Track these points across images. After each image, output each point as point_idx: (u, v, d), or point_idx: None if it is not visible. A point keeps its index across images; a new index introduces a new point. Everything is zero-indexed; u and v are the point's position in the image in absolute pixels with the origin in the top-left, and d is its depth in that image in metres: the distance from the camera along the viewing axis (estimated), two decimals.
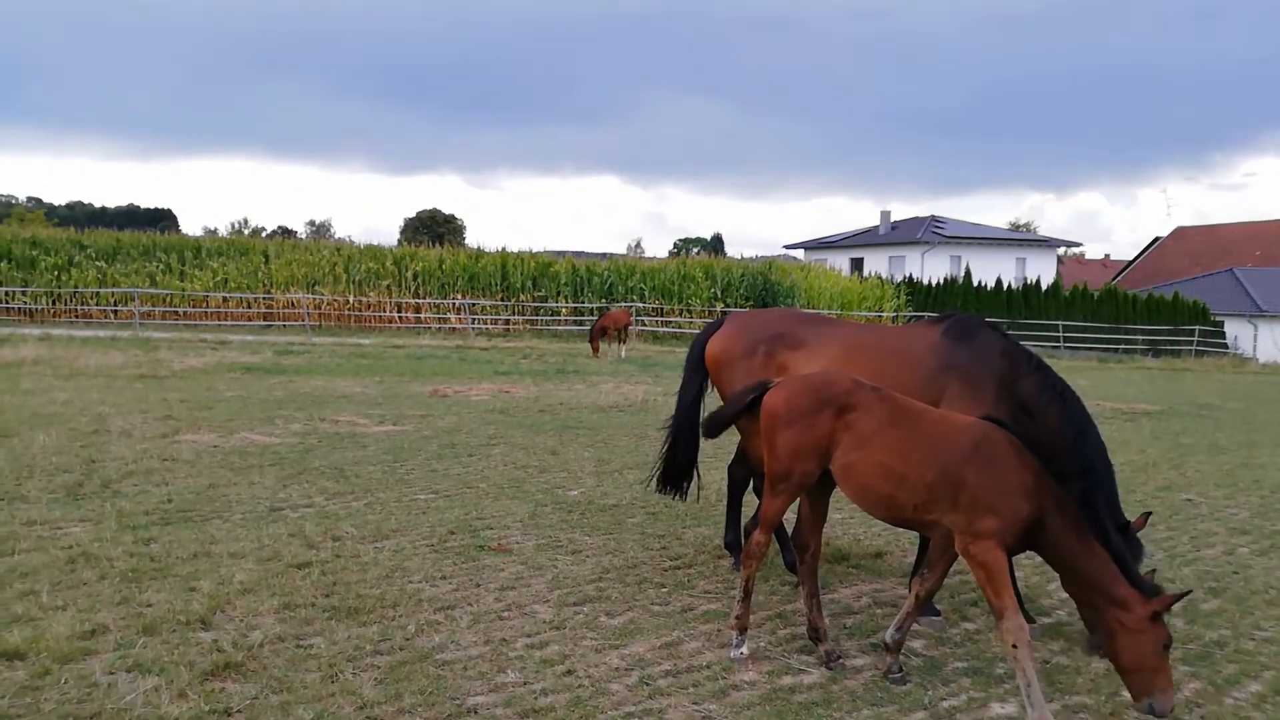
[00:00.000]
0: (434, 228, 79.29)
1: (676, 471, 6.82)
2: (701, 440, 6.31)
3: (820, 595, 5.22)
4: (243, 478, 9.08)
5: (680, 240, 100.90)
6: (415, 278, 33.42)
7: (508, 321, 33.41)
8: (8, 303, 29.98)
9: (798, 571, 5.30)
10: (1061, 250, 61.19)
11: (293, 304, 31.93)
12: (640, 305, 33.91)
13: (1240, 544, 8.02)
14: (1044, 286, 38.72)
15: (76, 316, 30.09)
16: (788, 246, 60.99)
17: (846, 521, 8.28)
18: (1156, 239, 66.27)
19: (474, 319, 32.68)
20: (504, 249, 35.69)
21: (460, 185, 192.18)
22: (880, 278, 39.23)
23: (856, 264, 52.58)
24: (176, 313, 31.04)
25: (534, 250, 36.46)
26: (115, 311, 30.08)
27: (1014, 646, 4.15)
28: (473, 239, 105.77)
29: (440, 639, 5.10)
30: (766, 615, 5.81)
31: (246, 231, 79.67)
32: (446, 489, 8.97)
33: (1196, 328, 36.32)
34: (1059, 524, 4.21)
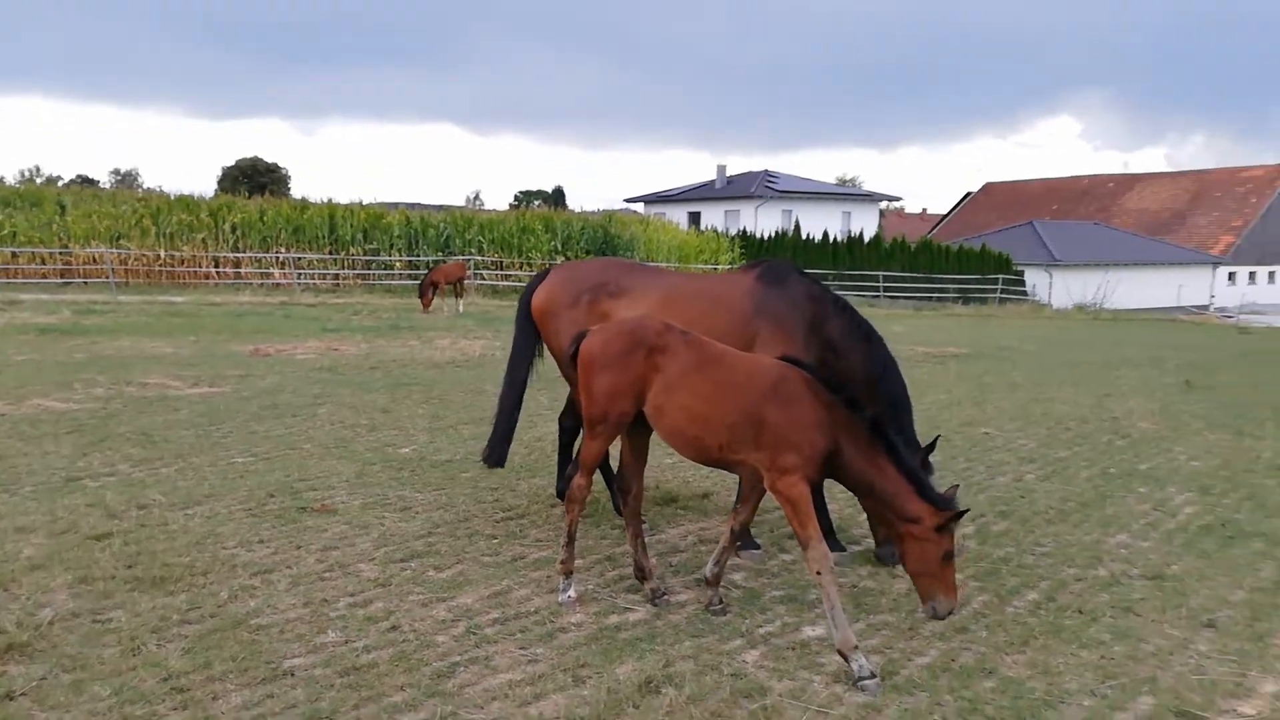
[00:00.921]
0: (255, 177, 74.50)
1: (504, 439, 6.74)
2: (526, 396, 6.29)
3: (645, 535, 5.36)
4: (35, 447, 8.37)
5: (521, 193, 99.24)
6: (234, 230, 31.40)
7: (337, 276, 32.03)
8: None
9: (622, 513, 5.41)
10: (884, 205, 64.44)
11: (94, 259, 29.39)
12: (479, 259, 33.28)
13: (1028, 471, 8.80)
14: (866, 239, 40.71)
15: None
16: (628, 200, 61.27)
17: (677, 466, 8.51)
18: (968, 194, 70.87)
19: (300, 274, 31.12)
20: (330, 200, 34.09)
21: (285, 132, 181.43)
22: (716, 231, 40.11)
23: (694, 218, 53.48)
24: None
25: (365, 202, 35.01)
26: None
27: (818, 573, 4.40)
28: (299, 190, 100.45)
29: (256, 604, 4.90)
30: (596, 559, 5.91)
31: (40, 180, 72.50)
32: (266, 451, 8.58)
33: (1001, 277, 39.22)
34: (854, 451, 4.47)
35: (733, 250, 37.66)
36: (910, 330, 25.56)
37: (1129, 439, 10.47)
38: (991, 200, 67.38)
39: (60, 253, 29.27)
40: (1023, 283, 41.18)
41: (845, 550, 6.22)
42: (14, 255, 28.73)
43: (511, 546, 6.07)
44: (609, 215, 37.79)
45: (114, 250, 29.59)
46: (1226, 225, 55.47)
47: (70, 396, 11.01)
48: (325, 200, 34.05)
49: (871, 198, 59.61)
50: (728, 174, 58.47)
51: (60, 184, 61.53)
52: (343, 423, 10.07)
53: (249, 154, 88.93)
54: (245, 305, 25.42)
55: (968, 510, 4.32)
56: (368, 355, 16.05)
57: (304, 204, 33.40)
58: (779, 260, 6.56)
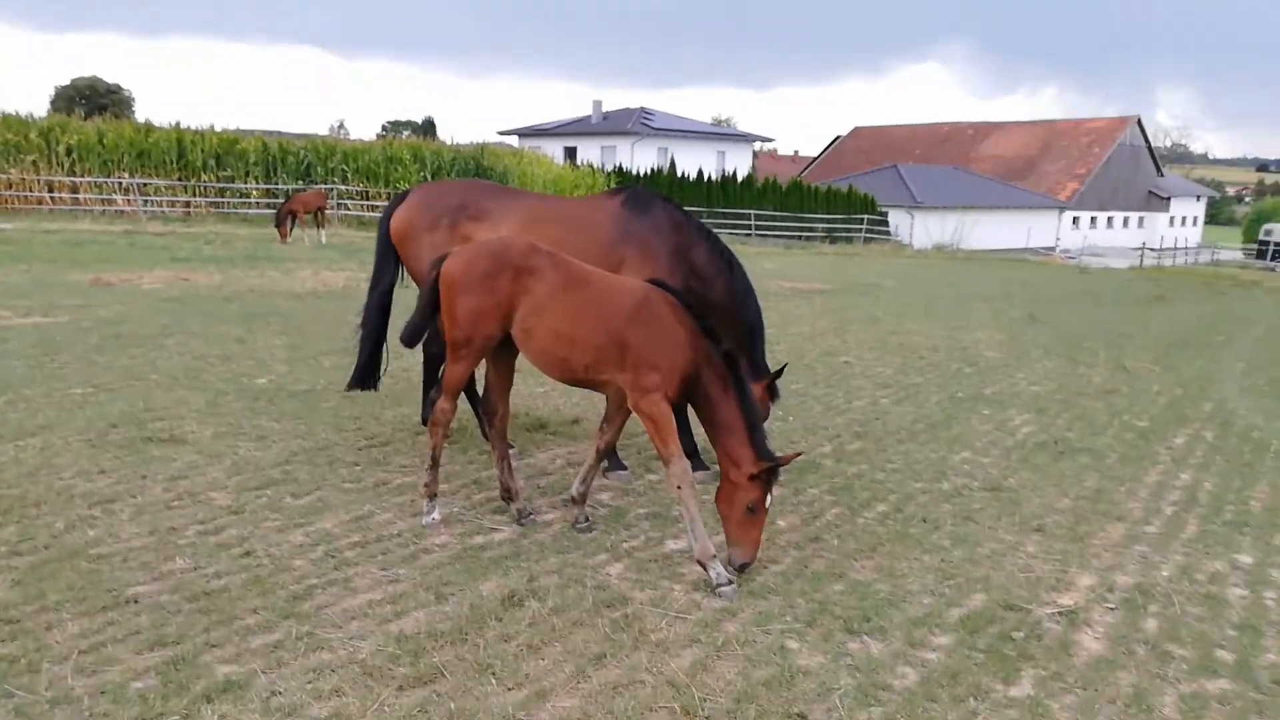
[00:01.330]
0: (94, 99, 68.57)
1: (370, 364, 6.57)
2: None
3: (512, 459, 5.35)
4: None
5: (389, 123, 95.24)
6: (69, 153, 28.93)
7: (188, 204, 30.06)
8: None
9: (488, 437, 5.37)
10: (757, 145, 65.14)
11: None
12: (342, 188, 31.90)
13: (883, 395, 9.22)
14: (740, 179, 41.17)
15: None
16: (502, 133, 59.76)
17: (548, 394, 8.49)
18: (837, 138, 72.47)
19: (146, 200, 29.08)
20: (179, 124, 31.80)
21: (127, 48, 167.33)
22: (592, 167, 39.69)
23: (570, 153, 52.71)
24: None
25: (217, 128, 32.79)
26: None
27: (679, 488, 4.50)
28: (144, 113, 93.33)
29: (96, 534, 4.65)
30: (463, 483, 5.87)
31: None
32: (109, 382, 8.06)
33: (865, 217, 40.49)
34: (708, 377, 4.55)
35: (608, 186, 37.39)
36: (780, 267, 26.16)
37: (976, 366, 11.10)
38: (859, 144, 69.16)
39: None
40: (886, 223, 42.65)
41: (708, 469, 6.39)
42: None
43: (374, 473, 5.95)
44: (481, 147, 36.79)
45: None
46: (1071, 173, 58.83)
47: None
48: (174, 124, 31.76)
49: (746, 138, 60.14)
50: (604, 110, 57.77)
51: None
52: (193, 353, 9.56)
53: (86, 73, 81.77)
54: (85, 233, 23.59)
55: (780, 465, 4.42)
56: (221, 286, 15.23)
57: (149, 127, 31.03)
58: (643, 187, 6.55)
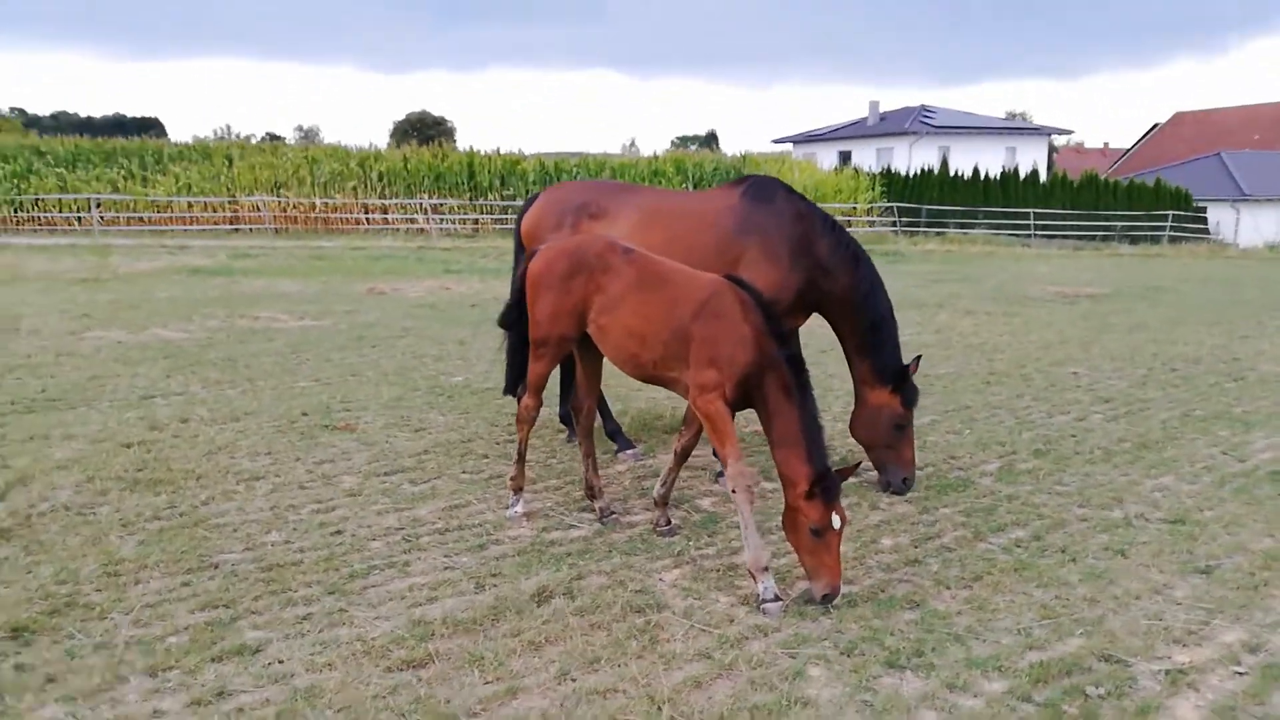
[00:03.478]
0: (424, 130, 77.76)
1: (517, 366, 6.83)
2: None
3: (597, 454, 5.34)
4: (130, 370, 9.18)
5: (678, 138, 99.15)
6: (380, 179, 32.97)
7: (476, 222, 33.09)
8: None
9: (576, 431, 5.40)
10: (1063, 140, 59.87)
11: (257, 208, 31.65)
12: None
13: (1097, 411, 8.09)
14: (1023, 176, 37.99)
15: (39, 225, 29.91)
16: (776, 140, 59.79)
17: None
18: (1155, 126, 64.73)
19: (440, 219, 32.38)
20: (498, 150, 35.08)
21: (452, 85, 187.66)
22: (857, 170, 38.52)
23: (845, 157, 51.58)
24: (141, 219, 30.79)
25: (527, 152, 35.81)
26: (79, 219, 29.89)
27: (734, 490, 4.24)
28: (465, 140, 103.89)
29: (226, 506, 5.24)
30: (570, 480, 5.94)
31: (232, 139, 78.32)
32: (330, 377, 9.06)
33: (1171, 213, 35.73)
34: (770, 381, 4.24)
35: (874, 189, 36.11)
36: (1056, 270, 23.84)
37: (1241, 382, 9.42)
38: (1181, 131, 61.20)
39: (228, 201, 31.69)
40: (1203, 219, 37.38)
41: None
42: (189, 205, 31.35)
43: (497, 465, 6.19)
44: (744, 156, 37.04)
45: (275, 198, 31.75)
46: None
47: (185, 327, 11.99)
48: (467, 149, 35.12)
49: (1040, 132, 55.37)
50: (881, 110, 55.87)
51: (252, 140, 66.12)
52: (415, 353, 10.49)
53: (421, 107, 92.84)
54: (385, 249, 26.72)
55: (837, 482, 3.98)
56: (475, 294, 16.58)
57: (444, 151, 34.56)
58: (765, 176, 6.27)
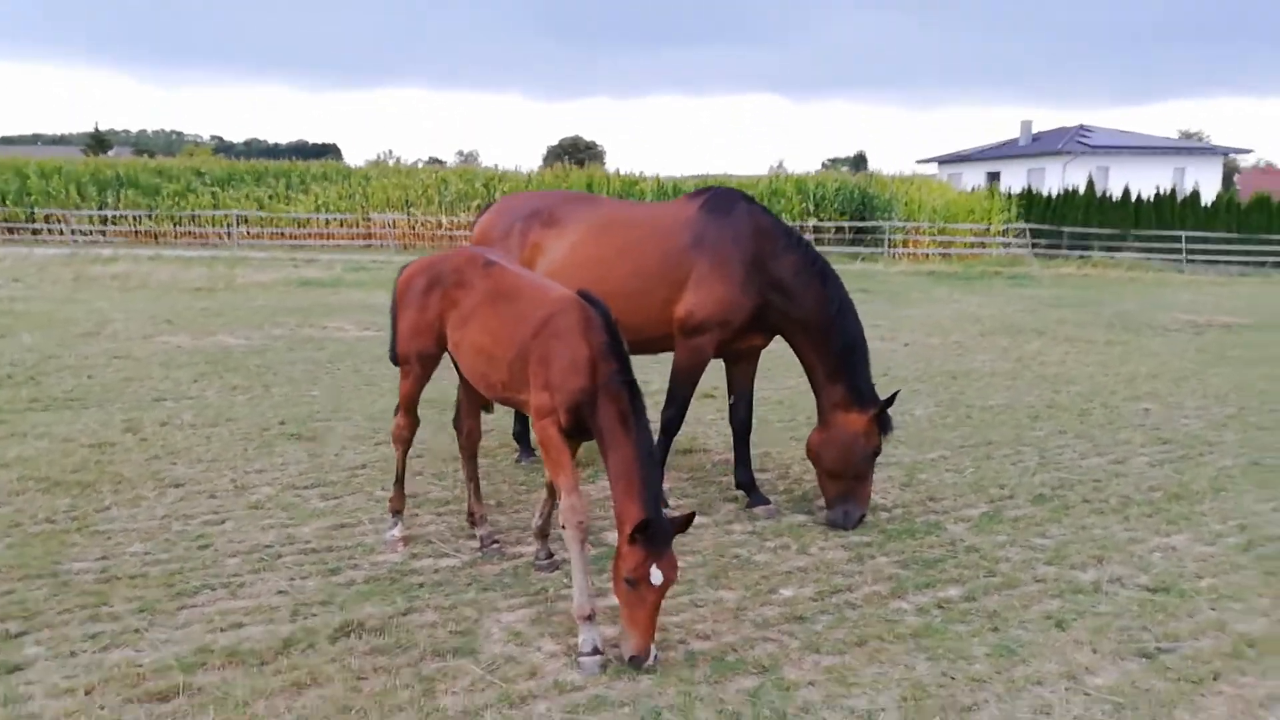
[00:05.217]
0: (576, 153, 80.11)
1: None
2: None
3: (479, 479, 4.97)
4: (165, 373, 9.51)
5: (829, 159, 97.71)
6: None
7: None
8: (136, 226, 32.57)
9: (461, 454, 5.06)
10: (1250, 160, 54.77)
11: (390, 224, 33.07)
12: None
13: (1145, 453, 7.03)
14: (1181, 197, 34.81)
15: (194, 238, 32.34)
16: (920, 161, 57.69)
17: (718, 419, 7.83)
18: None
19: None
20: (641, 173, 35.33)
21: (613, 111, 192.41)
22: (993, 190, 36.40)
23: (993, 177, 49.05)
24: (282, 234, 32.79)
25: (678, 175, 36.03)
26: (228, 234, 32.13)
27: (564, 528, 3.78)
28: (614, 163, 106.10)
29: (123, 514, 5.18)
30: (492, 503, 5.59)
31: (391, 163, 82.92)
32: (345, 387, 9.07)
33: None
34: (605, 410, 3.74)
35: (1009, 210, 33.97)
36: (1200, 297, 21.57)
37: None
38: None
39: (362, 219, 33.28)
40: None
41: (769, 503, 5.51)
42: (326, 222, 33.13)
43: (421, 485, 5.93)
44: (869, 176, 35.70)
45: (403, 216, 33.09)
46: None
47: (249, 334, 12.42)
48: (613, 171, 35.62)
49: (1213, 151, 50.93)
50: (1034, 130, 52.85)
51: (417, 164, 69.81)
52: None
53: (577, 132, 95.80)
54: None
55: (667, 530, 3.45)
56: None
57: (567, 171, 35.10)
58: (728, 188, 5.76)
